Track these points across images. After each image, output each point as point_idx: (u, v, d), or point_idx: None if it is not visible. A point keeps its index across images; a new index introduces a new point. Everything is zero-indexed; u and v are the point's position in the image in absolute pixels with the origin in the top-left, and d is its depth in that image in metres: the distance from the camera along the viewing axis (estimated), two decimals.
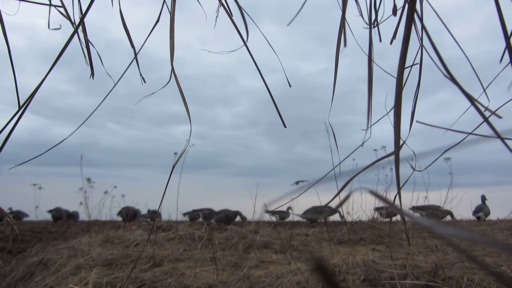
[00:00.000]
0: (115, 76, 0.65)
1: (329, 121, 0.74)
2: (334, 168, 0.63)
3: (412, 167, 0.62)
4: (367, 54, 0.64)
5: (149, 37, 0.64)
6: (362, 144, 0.63)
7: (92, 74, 0.69)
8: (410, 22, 0.44)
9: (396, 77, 0.70)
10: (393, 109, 0.70)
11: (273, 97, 0.64)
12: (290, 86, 0.69)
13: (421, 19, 0.56)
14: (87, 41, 0.68)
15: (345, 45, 0.66)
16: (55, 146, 0.62)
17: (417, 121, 0.65)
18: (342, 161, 0.65)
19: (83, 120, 0.66)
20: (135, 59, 0.68)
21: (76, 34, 0.62)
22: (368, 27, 0.66)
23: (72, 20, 0.71)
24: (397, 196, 0.52)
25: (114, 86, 0.69)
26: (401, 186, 0.70)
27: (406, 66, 0.69)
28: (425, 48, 0.62)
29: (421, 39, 0.63)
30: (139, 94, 0.69)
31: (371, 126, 0.63)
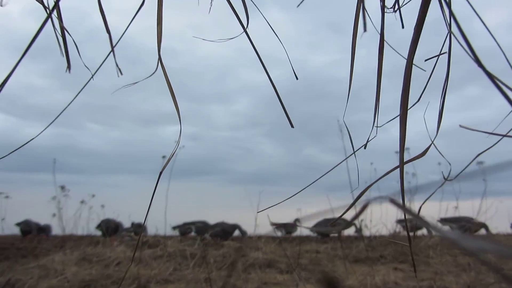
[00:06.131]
0: (96, 69, 0.66)
1: (344, 120, 0.75)
2: (333, 168, 0.64)
3: (444, 177, 0.62)
4: (380, 38, 0.65)
5: (135, 25, 0.65)
6: (365, 146, 0.63)
7: (69, 66, 0.70)
8: None
9: (420, 68, 0.71)
10: (405, 106, 0.70)
11: (278, 92, 0.65)
12: (297, 79, 0.70)
13: (448, 3, 0.57)
14: (62, 28, 0.69)
15: (364, 29, 0.66)
16: (21, 147, 0.63)
17: (460, 126, 0.65)
18: (337, 165, 0.65)
19: (60, 119, 0.66)
20: (110, 45, 0.69)
21: (51, 21, 0.64)
22: (382, 10, 0.67)
23: (45, 4, 0.73)
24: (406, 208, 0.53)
25: (90, 78, 0.70)
26: (429, 196, 0.71)
27: (434, 55, 0.69)
28: (453, 35, 0.62)
29: (449, 25, 0.64)
30: (123, 89, 0.70)
31: (376, 124, 0.63)
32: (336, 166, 0.64)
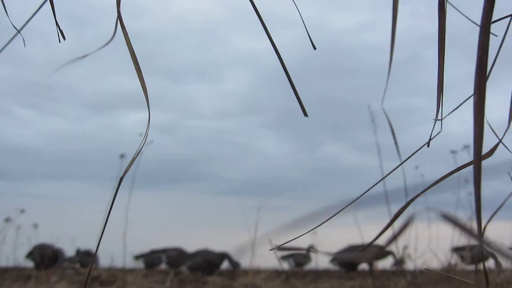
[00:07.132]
0: (29, 33, 0.66)
1: (382, 107, 0.75)
2: (384, 177, 0.64)
3: None
4: None
5: None
6: (428, 143, 0.64)
7: None
8: None
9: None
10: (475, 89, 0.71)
11: (286, 67, 0.65)
12: (315, 48, 0.70)
13: None
14: None
15: None
16: None
17: None
18: (391, 171, 0.66)
19: None
20: None
21: None
22: None
23: None
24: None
25: (10, 38, 0.70)
26: (495, 211, 0.71)
27: (505, 16, 0.70)
28: None
29: None
30: (67, 63, 0.70)
31: (441, 116, 0.64)
32: (390, 173, 0.64)
